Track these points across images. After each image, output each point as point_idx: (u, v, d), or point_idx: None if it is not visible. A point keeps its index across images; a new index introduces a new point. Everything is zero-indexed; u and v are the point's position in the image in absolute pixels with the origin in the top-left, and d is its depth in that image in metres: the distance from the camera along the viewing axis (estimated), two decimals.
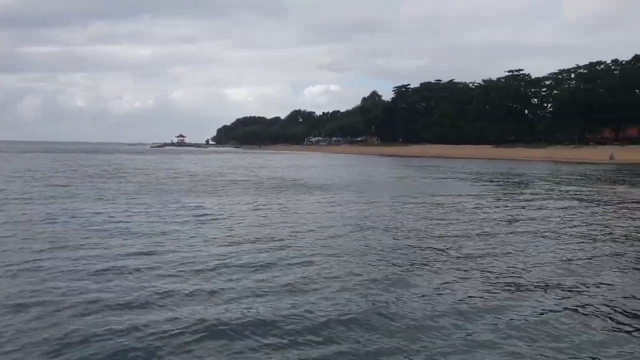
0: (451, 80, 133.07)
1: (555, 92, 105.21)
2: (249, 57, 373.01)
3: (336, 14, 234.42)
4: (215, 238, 11.12)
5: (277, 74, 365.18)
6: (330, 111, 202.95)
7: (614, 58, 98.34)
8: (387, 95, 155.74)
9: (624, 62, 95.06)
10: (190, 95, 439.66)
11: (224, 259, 9.09)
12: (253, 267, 8.63)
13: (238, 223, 13.40)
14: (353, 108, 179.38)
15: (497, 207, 17.63)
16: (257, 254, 9.53)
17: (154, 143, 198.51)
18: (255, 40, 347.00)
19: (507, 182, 30.83)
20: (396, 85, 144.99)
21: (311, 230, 12.31)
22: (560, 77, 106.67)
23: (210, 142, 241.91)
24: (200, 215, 14.44)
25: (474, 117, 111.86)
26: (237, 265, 8.69)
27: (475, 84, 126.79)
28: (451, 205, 17.98)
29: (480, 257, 9.64)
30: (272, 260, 9.09)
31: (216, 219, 14.02)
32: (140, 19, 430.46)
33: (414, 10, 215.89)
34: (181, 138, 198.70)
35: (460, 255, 9.78)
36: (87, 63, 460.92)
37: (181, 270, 8.32)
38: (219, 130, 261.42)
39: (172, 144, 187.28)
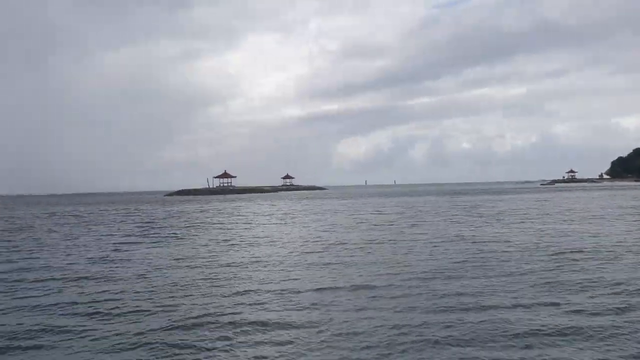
0: None
1: None
2: (632, 81, 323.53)
3: None
4: None
5: None
6: None
7: None
8: None
9: None
10: (573, 129, 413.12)
11: None
12: None
13: None
14: None
15: None
16: None
17: (543, 180, 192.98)
18: (634, 62, 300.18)
19: None
20: None
21: None
22: None
23: (605, 175, 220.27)
24: None
25: None
26: None
27: None
28: None
29: None
30: None
31: None
32: (511, 60, 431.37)
33: None
34: (572, 173, 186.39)
35: None
36: (464, 107, 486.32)
37: None
38: (613, 163, 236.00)
39: (563, 180, 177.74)
